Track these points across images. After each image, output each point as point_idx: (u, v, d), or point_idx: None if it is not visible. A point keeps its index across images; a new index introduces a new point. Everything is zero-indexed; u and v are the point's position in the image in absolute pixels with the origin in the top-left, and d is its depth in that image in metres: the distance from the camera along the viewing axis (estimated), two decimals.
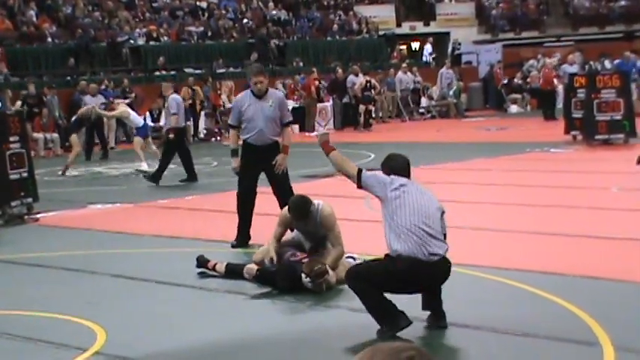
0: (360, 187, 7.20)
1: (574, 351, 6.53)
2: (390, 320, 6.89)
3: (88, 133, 24.75)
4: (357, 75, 31.14)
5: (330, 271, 8.62)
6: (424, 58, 39.20)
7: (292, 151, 26.90)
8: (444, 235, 7.03)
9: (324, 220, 9.01)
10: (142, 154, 20.01)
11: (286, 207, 9.21)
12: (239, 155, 11.17)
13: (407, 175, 7.18)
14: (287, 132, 11.28)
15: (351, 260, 9.19)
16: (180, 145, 17.84)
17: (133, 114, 20.81)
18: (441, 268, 6.90)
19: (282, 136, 11.12)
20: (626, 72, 23.15)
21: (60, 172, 20.02)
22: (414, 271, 6.79)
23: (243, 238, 10.95)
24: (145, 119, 28.32)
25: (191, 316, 8.11)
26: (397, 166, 7.23)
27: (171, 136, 17.45)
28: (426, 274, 6.85)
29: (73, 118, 22.19)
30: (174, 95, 18.19)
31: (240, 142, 11.22)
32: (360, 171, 7.16)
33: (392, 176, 7.07)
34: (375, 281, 6.90)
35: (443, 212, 7.09)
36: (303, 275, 8.51)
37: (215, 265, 9.53)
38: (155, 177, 17.69)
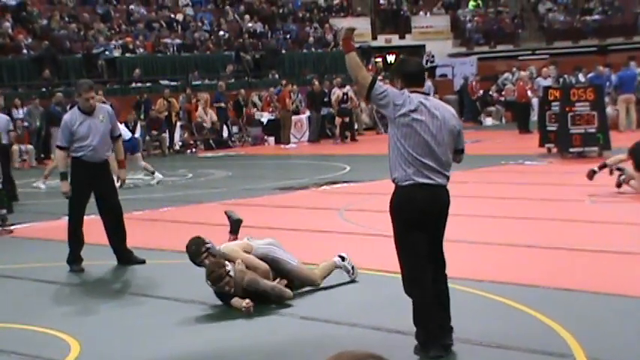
0: (367, 101, 6.89)
1: None
2: (427, 345, 6.79)
3: None
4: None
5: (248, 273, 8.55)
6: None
7: (268, 163, 27.00)
8: (462, 149, 6.84)
9: (228, 255, 8.79)
10: (146, 164, 20.07)
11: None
12: (68, 178, 10.91)
13: (422, 80, 6.85)
14: (119, 145, 11.18)
15: (338, 260, 9.25)
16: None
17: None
18: (439, 193, 6.67)
19: (116, 150, 11.05)
20: (599, 85, 23.31)
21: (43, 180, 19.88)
22: (411, 194, 6.58)
23: (79, 260, 10.81)
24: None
25: (166, 327, 8.09)
26: (411, 71, 6.83)
27: None
28: (423, 196, 6.57)
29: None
30: None
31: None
32: (373, 82, 6.72)
33: (405, 93, 6.62)
34: (404, 253, 6.73)
35: (459, 131, 6.76)
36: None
37: None
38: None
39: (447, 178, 6.73)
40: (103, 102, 16.58)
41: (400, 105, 6.57)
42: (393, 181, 6.75)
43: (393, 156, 6.69)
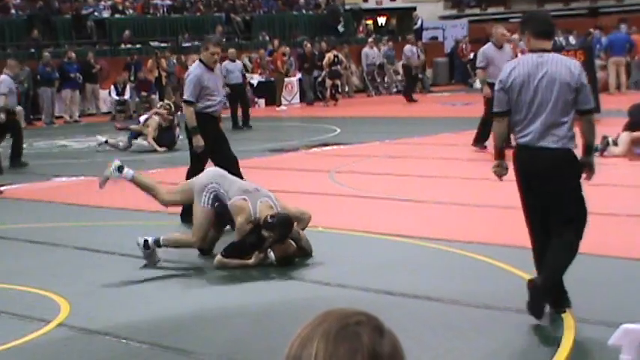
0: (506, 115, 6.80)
1: (535, 322, 6.60)
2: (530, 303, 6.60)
3: None
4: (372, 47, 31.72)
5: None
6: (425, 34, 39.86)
7: (259, 125, 26.91)
8: (586, 110, 6.62)
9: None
10: None
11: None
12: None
13: (546, 37, 6.69)
14: None
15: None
16: (13, 127, 17.20)
17: None
18: (548, 156, 6.62)
19: None
20: (590, 47, 23.28)
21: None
22: (524, 157, 6.69)
23: None
24: (109, 93, 28.25)
25: (155, 288, 8.13)
26: (537, 29, 6.67)
27: (2, 116, 16.58)
28: (532, 161, 6.66)
29: None
30: (4, 76, 17.31)
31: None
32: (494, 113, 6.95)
33: (503, 77, 6.68)
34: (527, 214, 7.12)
35: (575, 89, 6.51)
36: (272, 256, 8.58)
37: None
38: None
39: (559, 138, 6.59)
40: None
41: (506, 90, 6.66)
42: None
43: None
